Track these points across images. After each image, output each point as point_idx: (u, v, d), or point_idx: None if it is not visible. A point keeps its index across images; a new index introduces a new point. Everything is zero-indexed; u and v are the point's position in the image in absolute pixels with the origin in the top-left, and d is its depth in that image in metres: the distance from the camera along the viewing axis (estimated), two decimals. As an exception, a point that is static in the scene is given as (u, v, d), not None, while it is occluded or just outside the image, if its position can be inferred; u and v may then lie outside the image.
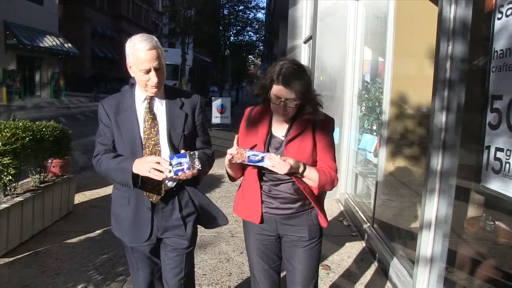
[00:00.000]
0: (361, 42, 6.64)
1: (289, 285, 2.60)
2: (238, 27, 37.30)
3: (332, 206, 6.57)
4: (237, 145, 2.29)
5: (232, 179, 2.64)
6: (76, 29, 39.07)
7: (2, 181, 4.36)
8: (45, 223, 5.15)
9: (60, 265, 4.18)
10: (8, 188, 4.73)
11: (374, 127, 6.18)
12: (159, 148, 2.42)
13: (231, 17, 36.41)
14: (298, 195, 2.44)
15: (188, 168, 2.22)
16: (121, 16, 49.84)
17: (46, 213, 5.15)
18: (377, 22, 6.02)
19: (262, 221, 2.50)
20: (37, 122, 5.15)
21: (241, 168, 2.54)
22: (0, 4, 24.51)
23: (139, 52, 2.27)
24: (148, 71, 2.29)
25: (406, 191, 5.01)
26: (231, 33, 37.64)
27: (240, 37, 38.25)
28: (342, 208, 6.51)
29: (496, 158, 2.66)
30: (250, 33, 38.86)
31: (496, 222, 3.55)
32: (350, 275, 4.24)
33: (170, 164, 2.20)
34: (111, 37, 48.77)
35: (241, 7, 36.30)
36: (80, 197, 6.38)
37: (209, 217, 2.64)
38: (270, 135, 2.47)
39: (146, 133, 2.42)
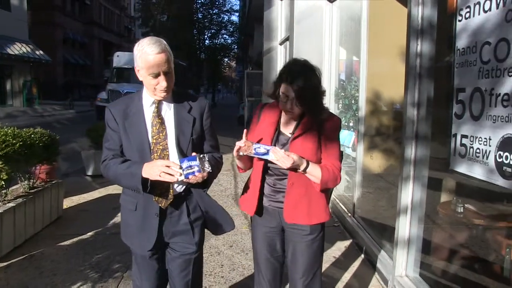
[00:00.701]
0: (337, 42, 6.94)
1: (291, 275, 2.69)
2: (213, 31, 37.50)
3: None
4: (246, 138, 2.39)
5: (241, 170, 2.74)
6: (47, 35, 38.20)
7: (-4, 187, 4.48)
8: (37, 228, 5.27)
9: (56, 266, 4.33)
10: (-1, 195, 4.86)
11: (351, 124, 6.48)
12: (167, 153, 2.40)
13: (205, 20, 36.54)
14: None
15: (199, 171, 2.21)
16: (93, 21, 49.18)
17: (37, 218, 5.28)
18: (351, 23, 6.33)
19: (258, 214, 2.62)
20: (25, 129, 5.27)
21: (250, 160, 2.64)
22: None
23: (149, 56, 2.23)
24: (157, 75, 2.27)
25: (383, 182, 5.32)
26: (206, 36, 37.80)
27: (215, 40, 38.43)
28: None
29: (461, 144, 2.97)
30: (225, 36, 39.09)
31: (466, 205, 3.87)
32: (335, 261, 4.52)
33: (181, 168, 2.19)
34: (83, 43, 48.13)
35: (215, 11, 36.46)
36: (67, 202, 6.49)
37: (215, 223, 2.61)
38: (278, 132, 2.57)
39: (154, 137, 2.40)
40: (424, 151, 3.53)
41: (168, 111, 2.44)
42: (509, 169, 2.47)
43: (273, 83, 2.50)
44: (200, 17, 36.28)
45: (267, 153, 2.33)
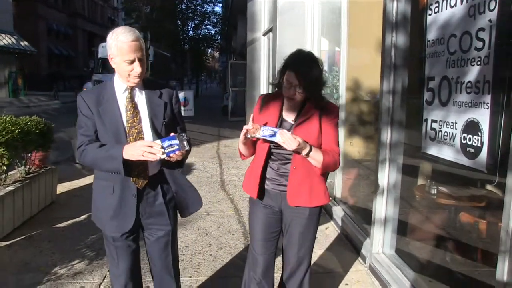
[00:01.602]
0: (318, 34, 7.17)
1: (286, 249, 2.87)
2: (197, 21, 37.40)
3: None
4: (253, 122, 2.51)
5: (243, 156, 2.86)
6: (31, 27, 37.96)
7: (-2, 171, 4.68)
8: (33, 211, 5.48)
9: (54, 246, 4.54)
10: (-1, 179, 5.06)
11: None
12: (142, 136, 2.50)
13: (189, 11, 36.42)
14: None
15: (179, 149, 2.32)
16: (76, 13, 48.81)
17: (34, 201, 5.49)
18: (332, 15, 6.56)
19: (259, 197, 2.75)
20: (21, 117, 5.46)
21: (253, 146, 2.78)
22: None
23: (123, 43, 2.34)
24: (132, 62, 2.38)
25: (362, 167, 5.59)
26: (189, 27, 37.70)
27: (198, 31, 38.35)
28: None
29: (432, 128, 3.24)
30: (208, 26, 39.01)
31: (439, 188, 4.14)
32: (317, 242, 4.78)
33: (162, 147, 2.29)
34: (67, 34, 47.77)
35: (198, 1, 36.34)
36: (60, 188, 6.66)
37: (183, 204, 2.73)
38: (281, 119, 2.69)
39: (129, 121, 2.49)
40: (398, 136, 3.81)
41: (140, 96, 2.56)
42: (471, 149, 2.75)
43: (278, 72, 2.65)
44: (184, 8, 36.11)
45: (274, 135, 2.42)
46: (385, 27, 3.80)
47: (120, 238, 2.61)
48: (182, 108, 16.83)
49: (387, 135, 3.84)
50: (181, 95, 17.60)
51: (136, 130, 2.49)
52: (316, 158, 2.53)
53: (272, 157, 2.70)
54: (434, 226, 4.38)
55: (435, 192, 4.04)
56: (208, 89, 62.34)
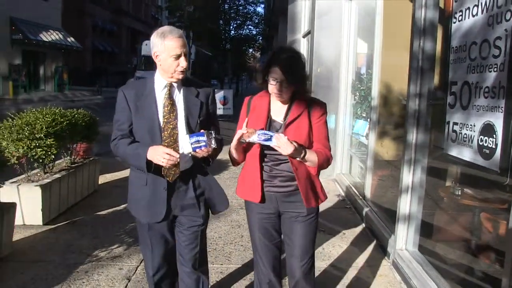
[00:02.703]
0: (355, 37, 7.35)
1: (288, 258, 2.81)
2: (239, 21, 37.83)
3: (330, 185, 7.30)
4: (246, 126, 2.52)
5: (235, 163, 2.80)
6: (78, 23, 38.78)
7: (47, 159, 5.12)
8: (77, 198, 5.92)
9: (96, 231, 4.92)
10: (47, 167, 5.50)
11: (366, 114, 6.90)
12: (176, 132, 2.60)
13: (232, 11, 36.90)
14: None
15: (205, 146, 2.40)
16: (121, 10, 49.88)
17: (78, 189, 5.92)
18: (369, 19, 6.71)
19: (262, 200, 2.68)
20: (69, 110, 5.89)
21: (244, 152, 2.73)
22: (6, 0, 24.90)
23: (170, 40, 2.48)
24: (178, 56, 2.50)
25: (391, 168, 5.73)
26: (231, 27, 38.18)
27: (240, 31, 38.77)
28: (338, 187, 7.26)
29: (453, 131, 3.40)
30: (250, 27, 39.38)
31: (465, 189, 4.27)
32: (344, 238, 4.99)
33: (190, 143, 2.41)
34: (111, 31, 48.80)
35: (241, 2, 36.78)
36: (101, 179, 7.10)
37: (210, 202, 2.82)
38: (269, 119, 2.66)
39: (165, 117, 2.59)
40: (424, 138, 3.96)
41: (178, 94, 2.67)
42: (487, 151, 2.91)
43: (260, 71, 2.66)
44: (227, 8, 36.62)
45: (270, 139, 2.41)
46: (413, 33, 3.98)
47: (153, 227, 2.74)
48: (221, 106, 17.30)
49: (412, 136, 4.01)
50: (221, 93, 17.96)
51: (171, 126, 2.59)
52: (312, 159, 2.55)
53: (265, 159, 2.67)
54: (457, 226, 4.50)
55: (460, 193, 4.17)
56: (248, 88, 62.83)
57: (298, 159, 2.52)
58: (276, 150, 2.48)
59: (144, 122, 2.62)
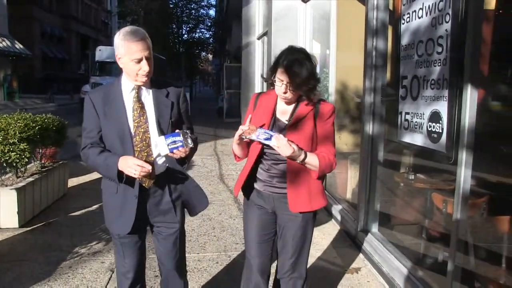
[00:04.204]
0: (310, 38, 7.75)
1: (281, 258, 2.77)
2: (191, 25, 38.00)
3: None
4: (249, 123, 2.46)
5: (237, 158, 2.77)
6: (25, 29, 38.06)
7: (20, 163, 5.24)
8: (49, 201, 6.02)
9: (72, 231, 5.07)
10: (19, 171, 5.62)
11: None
12: (148, 135, 2.51)
13: (184, 15, 37.02)
14: None
15: (182, 146, 2.33)
16: (70, 15, 49.09)
17: (49, 192, 6.03)
18: (323, 21, 7.13)
19: (255, 198, 2.70)
20: (38, 115, 6.00)
21: (247, 147, 2.68)
22: None
23: (131, 43, 2.35)
24: (139, 61, 2.38)
25: (350, 158, 6.15)
26: (184, 30, 38.31)
27: (193, 34, 38.96)
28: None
29: (405, 120, 3.82)
30: (202, 30, 39.63)
31: (417, 174, 4.71)
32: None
33: (166, 144, 2.34)
34: (60, 37, 48.02)
35: (193, 5, 36.95)
36: (69, 183, 7.19)
37: (189, 203, 2.75)
38: (274, 119, 2.60)
39: (135, 121, 2.49)
40: (379, 128, 4.39)
41: (147, 96, 2.56)
42: (435, 135, 3.33)
43: (269, 69, 2.57)
44: (179, 12, 36.72)
45: (269, 138, 2.37)
46: (366, 33, 4.40)
47: (126, 236, 2.63)
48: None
49: (369, 128, 4.42)
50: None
51: (142, 130, 2.50)
52: (312, 163, 2.47)
53: (264, 156, 2.62)
54: (412, 207, 4.95)
55: (413, 177, 4.60)
56: (201, 92, 62.91)
57: (298, 162, 2.46)
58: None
59: (113, 128, 2.52)
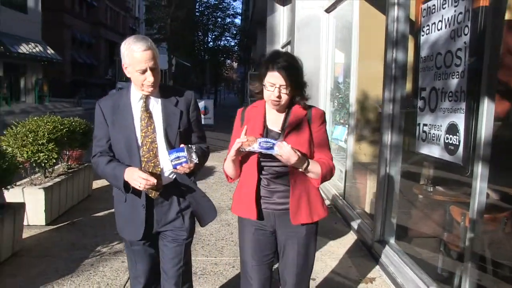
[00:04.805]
0: (333, 47, 7.80)
1: (283, 276, 2.64)
2: (217, 33, 38.42)
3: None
4: (246, 135, 2.34)
5: (230, 178, 2.61)
6: (57, 36, 38.76)
7: (48, 164, 5.43)
8: (74, 202, 6.22)
9: (95, 231, 5.21)
10: (47, 171, 5.83)
11: (344, 121, 7.32)
12: (156, 146, 2.48)
13: (210, 23, 37.47)
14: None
15: (186, 162, 2.29)
16: (99, 22, 50.02)
17: (74, 193, 6.22)
18: (346, 31, 7.16)
19: (259, 217, 2.51)
20: (66, 118, 6.21)
21: (240, 165, 2.55)
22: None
23: (135, 53, 2.31)
24: (144, 71, 2.34)
25: (369, 169, 6.14)
26: (210, 38, 38.77)
27: (218, 42, 39.36)
28: (320, 189, 7.64)
29: (423, 131, 3.82)
30: (228, 38, 40.03)
31: (437, 187, 4.69)
32: (326, 232, 5.37)
33: (170, 159, 2.31)
34: (90, 43, 48.95)
35: (219, 13, 37.39)
36: (94, 185, 7.37)
37: (197, 214, 2.70)
38: (266, 130, 2.48)
39: (143, 131, 2.46)
40: (398, 139, 4.39)
41: (156, 105, 2.52)
42: (452, 147, 3.33)
43: (257, 79, 2.48)
44: (205, 19, 37.20)
45: (272, 147, 2.24)
46: (387, 44, 4.42)
47: (137, 243, 2.64)
48: (202, 116, 17.60)
49: (387, 138, 4.43)
50: (201, 104, 18.32)
51: (150, 140, 2.47)
52: (314, 170, 2.38)
53: (262, 171, 2.49)
54: (430, 219, 4.92)
55: (432, 189, 4.58)
56: (225, 99, 63.35)
57: (300, 170, 2.36)
58: (275, 162, 2.37)
59: (121, 137, 2.50)
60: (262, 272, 2.60)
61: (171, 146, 2.46)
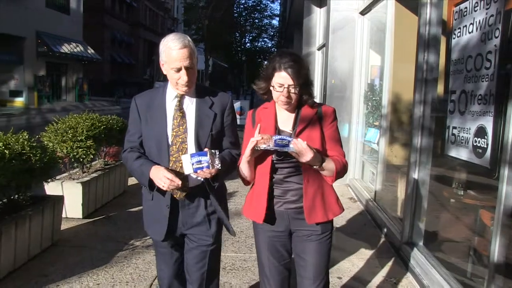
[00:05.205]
0: (367, 50, 7.79)
1: (300, 280, 2.60)
2: (254, 34, 38.64)
3: (343, 189, 7.71)
4: (259, 133, 2.32)
5: (247, 181, 2.59)
6: (97, 36, 39.84)
7: (86, 159, 5.68)
8: (109, 197, 6.45)
9: (129, 225, 5.41)
10: (85, 167, 6.08)
11: (377, 123, 7.31)
12: (185, 146, 2.45)
13: (247, 24, 37.72)
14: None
15: (208, 167, 2.24)
16: (138, 23, 50.90)
17: (110, 188, 6.46)
18: (380, 33, 7.16)
19: (269, 220, 2.49)
20: (104, 116, 6.46)
21: (255, 166, 2.51)
22: (34, 15, 26.02)
23: (172, 51, 2.30)
24: (179, 70, 2.33)
25: (400, 171, 6.12)
26: (247, 39, 39.01)
27: (255, 43, 39.58)
28: (351, 191, 7.67)
29: (452, 134, 3.82)
30: (265, 39, 40.20)
31: (468, 190, 4.66)
32: (355, 233, 5.41)
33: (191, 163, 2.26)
34: (129, 43, 49.81)
35: (257, 15, 37.58)
36: (130, 181, 7.61)
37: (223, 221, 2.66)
38: (278, 131, 2.46)
39: (174, 130, 2.44)
40: (427, 141, 4.39)
41: (190, 105, 2.50)
42: (480, 150, 3.33)
43: (263, 80, 2.47)
44: (242, 21, 37.47)
45: (287, 145, 2.21)
46: (418, 46, 4.42)
47: (162, 244, 2.65)
48: (238, 117, 17.71)
49: (417, 140, 4.44)
50: (237, 104, 18.47)
51: (180, 140, 2.45)
52: (329, 168, 2.37)
53: (276, 172, 2.47)
54: (459, 222, 4.89)
55: (462, 193, 4.55)
56: (262, 100, 63.31)
57: (315, 167, 2.35)
58: (289, 162, 2.38)
59: (152, 134, 2.50)
60: (279, 272, 2.59)
61: (200, 148, 2.41)
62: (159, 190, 2.44)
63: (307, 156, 2.21)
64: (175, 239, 2.63)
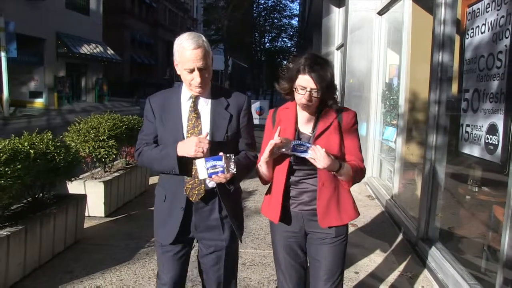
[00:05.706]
0: (385, 50, 7.88)
1: (313, 281, 2.60)
2: (273, 34, 38.74)
3: (361, 187, 7.83)
4: (279, 136, 2.31)
5: (264, 181, 2.60)
6: (117, 36, 40.09)
7: (108, 159, 5.89)
8: (131, 196, 6.64)
9: (151, 223, 5.37)
10: (107, 166, 6.29)
11: (395, 122, 7.39)
12: None
13: (267, 24, 37.85)
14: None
15: (222, 172, 2.18)
16: (158, 23, 51.18)
17: (132, 188, 6.64)
18: (398, 33, 7.24)
19: (285, 220, 2.52)
20: (125, 116, 6.67)
21: (273, 167, 2.52)
22: (54, 17, 26.52)
23: (185, 51, 2.23)
24: (192, 71, 2.26)
25: (416, 169, 6.21)
26: (266, 39, 39.13)
27: (275, 43, 39.67)
28: (369, 188, 7.77)
29: (466, 132, 3.93)
30: (284, 39, 40.27)
31: (482, 187, 4.73)
32: (372, 229, 5.53)
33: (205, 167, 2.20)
34: (148, 44, 50.09)
35: (276, 15, 37.67)
36: (151, 181, 7.79)
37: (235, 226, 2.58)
38: (297, 132, 2.47)
39: (189, 131, 2.38)
40: (442, 139, 4.49)
41: (205, 106, 2.43)
42: (491, 147, 3.44)
43: (287, 80, 2.44)
44: (262, 21, 37.62)
45: (306, 150, 2.23)
46: (433, 46, 4.53)
47: (168, 248, 2.54)
48: (257, 116, 17.86)
49: (432, 138, 4.54)
50: (257, 104, 18.61)
51: None
52: (346, 173, 2.37)
53: (294, 174, 2.49)
54: (474, 218, 4.96)
55: (477, 189, 4.63)
56: (281, 99, 63.43)
57: (333, 172, 2.35)
58: (307, 164, 2.35)
59: (167, 135, 2.44)
60: (295, 270, 2.61)
61: (215, 150, 2.29)
62: (185, 169, 2.37)
63: (324, 163, 2.21)
64: (183, 242, 2.57)
